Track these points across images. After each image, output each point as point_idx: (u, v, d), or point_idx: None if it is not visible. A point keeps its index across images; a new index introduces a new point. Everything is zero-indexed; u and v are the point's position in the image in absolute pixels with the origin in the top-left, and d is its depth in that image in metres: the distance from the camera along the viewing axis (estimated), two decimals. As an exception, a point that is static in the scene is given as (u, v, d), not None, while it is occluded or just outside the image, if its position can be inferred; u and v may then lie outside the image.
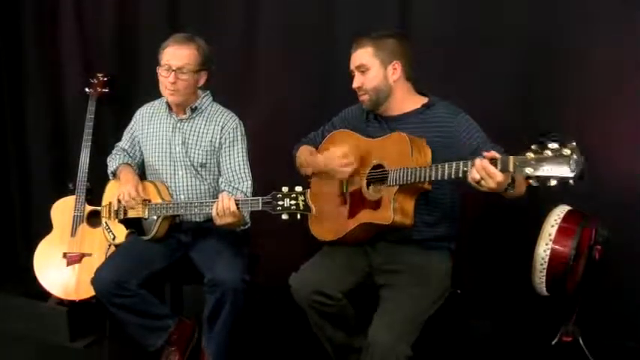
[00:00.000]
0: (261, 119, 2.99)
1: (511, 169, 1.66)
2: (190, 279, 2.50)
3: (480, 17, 2.63)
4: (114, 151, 2.66)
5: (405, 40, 2.18)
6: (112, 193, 2.56)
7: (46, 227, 3.06)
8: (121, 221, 2.50)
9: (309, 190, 2.08)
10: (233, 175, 2.43)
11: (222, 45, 3.02)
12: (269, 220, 2.11)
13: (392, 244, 2.16)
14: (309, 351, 2.47)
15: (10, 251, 3.78)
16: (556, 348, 2.32)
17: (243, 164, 2.44)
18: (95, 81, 3.25)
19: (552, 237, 2.12)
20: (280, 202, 2.06)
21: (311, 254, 2.26)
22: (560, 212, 2.18)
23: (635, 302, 2.53)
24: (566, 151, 1.56)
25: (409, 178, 1.94)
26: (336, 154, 2.15)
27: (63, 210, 3.04)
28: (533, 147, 1.61)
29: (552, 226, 2.14)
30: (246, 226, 2.44)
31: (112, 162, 2.61)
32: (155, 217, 2.39)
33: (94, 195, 2.97)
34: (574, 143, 1.57)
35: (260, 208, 2.12)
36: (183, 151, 2.45)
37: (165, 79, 2.35)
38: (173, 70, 2.33)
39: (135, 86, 3.30)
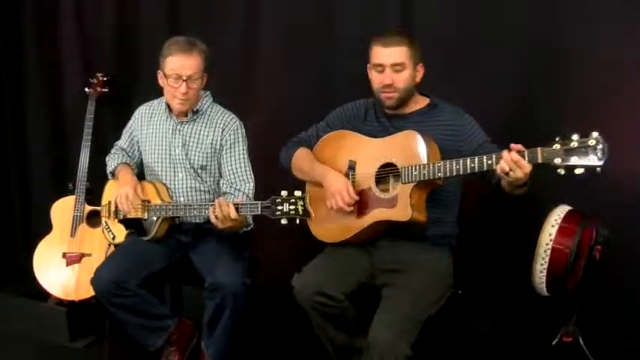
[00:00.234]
0: (261, 119, 2.99)
1: (540, 160, 1.76)
2: (190, 280, 2.49)
3: (480, 17, 2.63)
4: (113, 151, 2.65)
5: None
6: (111, 192, 2.56)
7: (46, 227, 3.06)
8: (121, 221, 2.50)
9: (307, 194, 2.08)
10: (235, 177, 2.42)
11: (222, 45, 3.02)
12: (269, 221, 2.11)
13: (395, 242, 2.17)
14: (309, 352, 2.46)
15: (9, 251, 3.78)
16: (556, 348, 2.32)
17: (245, 166, 2.43)
18: (95, 81, 3.24)
19: (552, 237, 2.12)
20: (279, 207, 2.06)
21: (312, 255, 2.26)
22: (560, 212, 2.18)
23: (635, 302, 2.53)
24: (592, 141, 1.68)
25: (429, 175, 1.97)
26: (347, 188, 2.12)
27: (63, 210, 3.04)
28: (557, 139, 1.73)
29: (552, 226, 2.14)
30: (249, 228, 2.43)
31: (111, 161, 2.61)
32: (155, 218, 2.39)
33: (94, 195, 2.97)
34: (596, 133, 1.68)
35: (259, 213, 2.12)
36: (183, 153, 2.44)
37: (175, 89, 2.31)
38: (184, 80, 2.29)
39: (135, 86, 3.30)
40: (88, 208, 3.01)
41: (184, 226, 2.47)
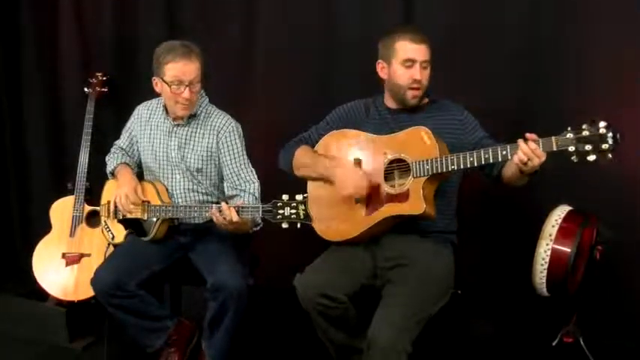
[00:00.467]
0: (261, 119, 2.99)
1: (554, 148, 1.83)
2: (190, 280, 2.49)
3: (481, 17, 2.63)
4: (112, 150, 2.64)
5: None
6: (110, 192, 2.55)
7: (45, 227, 3.05)
8: (120, 221, 2.49)
9: (308, 195, 2.09)
10: (238, 179, 2.41)
11: (222, 45, 3.01)
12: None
13: (398, 236, 2.17)
14: (309, 352, 2.46)
15: (9, 251, 3.77)
16: (557, 349, 2.32)
17: (246, 166, 2.43)
18: (94, 81, 3.23)
19: (553, 237, 2.12)
20: (280, 211, 2.07)
21: (313, 255, 2.25)
22: (560, 212, 2.18)
23: (635, 302, 2.52)
24: (603, 130, 1.76)
25: (442, 168, 2.00)
26: (358, 174, 2.14)
27: (62, 210, 3.03)
28: (569, 129, 1.80)
29: (553, 226, 2.14)
30: (258, 227, 2.40)
31: (111, 161, 2.60)
32: (154, 219, 2.38)
33: (93, 195, 2.96)
34: (605, 122, 1.76)
35: (260, 216, 2.12)
36: (179, 155, 2.43)
37: (177, 95, 2.30)
38: (186, 85, 2.28)
39: (134, 86, 3.29)
40: (88, 208, 3.00)
41: (183, 226, 2.46)
